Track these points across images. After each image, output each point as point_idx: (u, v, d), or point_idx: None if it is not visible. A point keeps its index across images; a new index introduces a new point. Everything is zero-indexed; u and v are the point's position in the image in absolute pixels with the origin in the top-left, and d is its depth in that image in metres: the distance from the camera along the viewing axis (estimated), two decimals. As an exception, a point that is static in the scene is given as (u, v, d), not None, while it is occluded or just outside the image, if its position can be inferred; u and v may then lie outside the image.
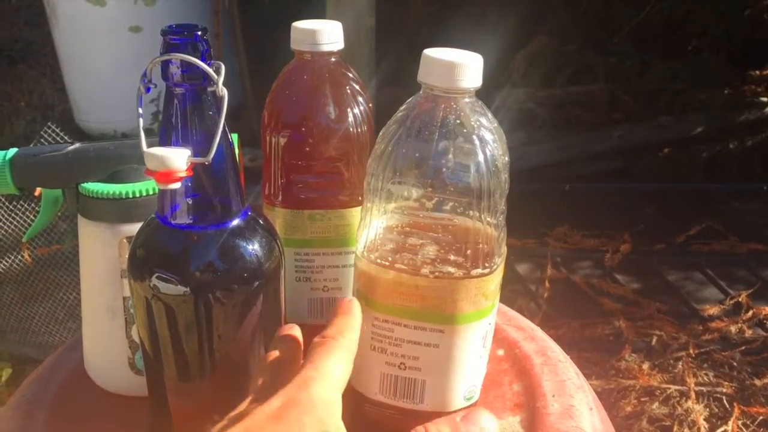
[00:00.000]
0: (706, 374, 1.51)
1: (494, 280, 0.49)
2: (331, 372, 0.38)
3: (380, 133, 0.50)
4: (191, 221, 0.45)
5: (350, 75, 0.58)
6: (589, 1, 2.74)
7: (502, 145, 0.48)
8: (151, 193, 0.54)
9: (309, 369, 0.38)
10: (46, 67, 3.34)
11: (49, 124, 1.62)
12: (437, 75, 0.46)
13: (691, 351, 1.55)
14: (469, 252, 0.47)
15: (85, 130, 2.97)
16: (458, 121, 0.46)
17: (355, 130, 0.56)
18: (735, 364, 1.52)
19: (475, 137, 0.46)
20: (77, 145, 0.57)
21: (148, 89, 0.43)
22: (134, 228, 0.53)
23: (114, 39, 2.79)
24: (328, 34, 0.55)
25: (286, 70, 0.58)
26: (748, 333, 1.61)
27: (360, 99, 0.57)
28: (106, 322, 0.56)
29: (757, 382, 1.48)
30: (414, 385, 0.50)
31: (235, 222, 0.45)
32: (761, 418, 1.39)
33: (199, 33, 0.42)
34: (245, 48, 2.24)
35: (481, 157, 0.46)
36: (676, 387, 1.47)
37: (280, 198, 0.57)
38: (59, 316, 1.65)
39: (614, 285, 1.76)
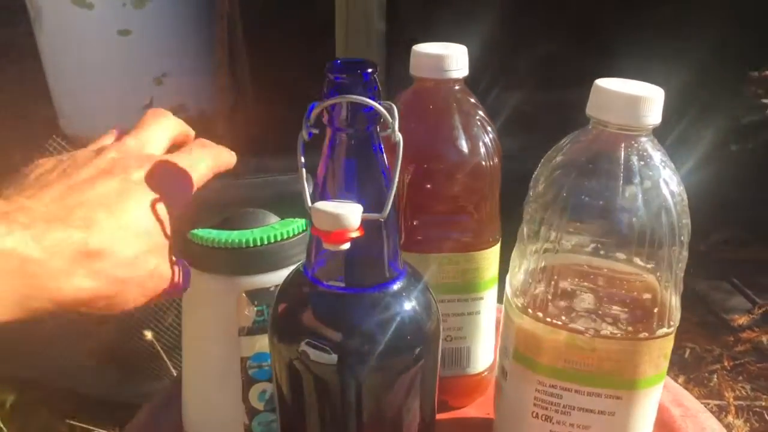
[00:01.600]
0: (743, 387, 1.48)
1: (673, 338, 0.43)
2: (192, 166, 0.40)
3: (539, 174, 0.44)
4: (349, 283, 0.39)
5: (475, 102, 0.52)
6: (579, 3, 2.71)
7: (683, 186, 0.42)
8: (273, 241, 0.47)
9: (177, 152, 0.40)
10: (26, 70, 3.22)
11: (54, 137, 1.54)
12: (617, 110, 0.41)
13: (726, 363, 1.52)
14: (656, 310, 0.42)
15: (71, 137, 2.87)
16: (642, 162, 0.41)
17: (487, 164, 0.50)
18: (771, 376, 1.50)
19: (661, 180, 0.41)
20: None
21: (309, 134, 0.37)
22: (254, 281, 0.47)
23: (102, 43, 2.69)
24: (455, 60, 0.50)
25: (405, 98, 0.52)
26: (781, 343, 1.59)
27: (489, 128, 0.51)
28: (217, 384, 0.49)
29: (796, 394, 1.45)
30: (581, 455, 0.45)
31: (398, 283, 0.39)
32: (804, 432, 1.36)
33: (370, 71, 0.36)
34: (248, 54, 2.16)
35: (671, 204, 0.41)
36: (715, 402, 1.43)
37: (402, 240, 0.51)
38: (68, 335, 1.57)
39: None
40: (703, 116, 2.52)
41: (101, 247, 0.34)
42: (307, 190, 0.37)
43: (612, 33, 2.56)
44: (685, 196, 0.42)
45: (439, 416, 0.55)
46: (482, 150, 0.50)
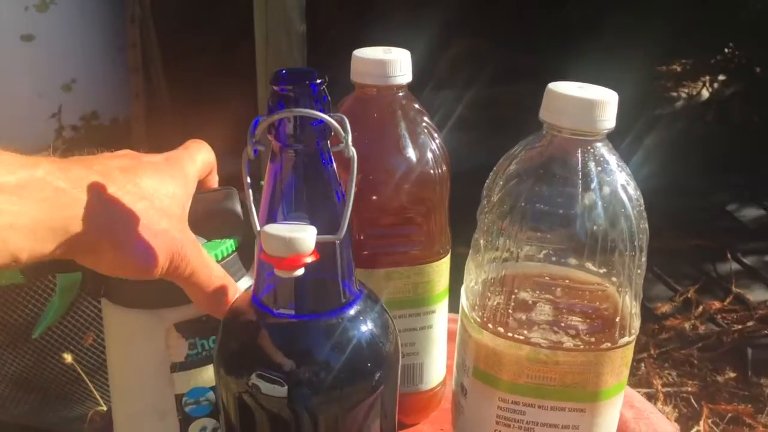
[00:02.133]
0: (669, 374, 1.52)
1: (633, 346, 0.43)
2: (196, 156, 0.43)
3: (493, 183, 0.43)
4: (301, 309, 0.36)
5: (419, 108, 0.50)
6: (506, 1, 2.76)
7: (639, 191, 0.42)
8: None
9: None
10: None
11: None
12: (572, 115, 0.39)
13: (652, 351, 1.56)
14: (618, 319, 0.41)
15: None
16: (599, 168, 0.40)
17: (435, 172, 0.49)
18: (695, 361, 1.55)
19: (619, 186, 0.40)
20: None
21: (255, 151, 0.34)
22: (183, 312, 0.43)
23: (4, 49, 2.56)
24: (399, 65, 0.48)
25: (347, 106, 0.50)
26: (702, 329, 1.64)
27: (435, 135, 0.50)
28: (152, 424, 0.45)
29: (719, 378, 1.50)
30: (545, 471, 0.43)
31: (355, 306, 0.37)
32: (729, 415, 1.41)
33: (318, 82, 0.33)
34: (162, 57, 2.09)
35: (630, 209, 0.40)
36: (644, 390, 1.47)
37: (349, 256, 0.49)
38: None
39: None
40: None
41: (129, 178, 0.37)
42: (255, 213, 0.34)
43: (533, 31, 2.61)
44: (642, 200, 0.41)
45: (393, 435, 0.53)
46: (430, 158, 0.49)
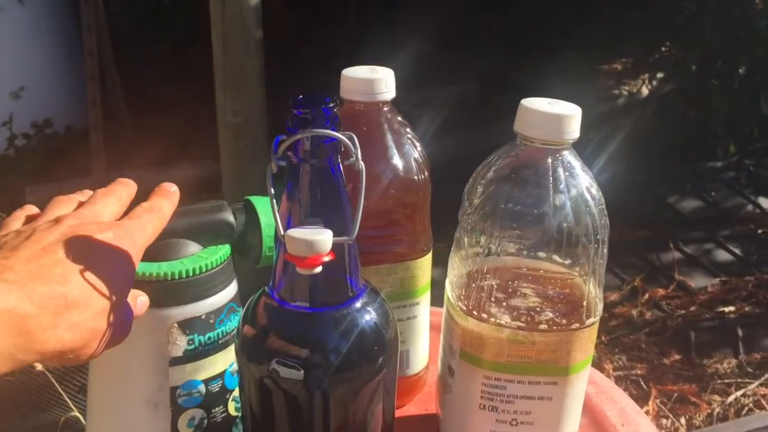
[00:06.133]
0: (619, 359, 1.61)
1: (598, 326, 0.49)
2: (142, 229, 0.42)
3: (473, 187, 0.48)
4: (315, 303, 0.41)
5: (402, 120, 0.56)
6: (450, 3, 2.83)
7: (600, 192, 0.48)
8: (203, 271, 0.48)
9: (128, 219, 0.42)
10: None
11: None
12: (542, 128, 0.46)
13: (603, 338, 1.65)
14: (585, 303, 0.47)
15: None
16: (567, 173, 0.46)
17: (419, 178, 0.54)
18: (643, 346, 1.64)
19: (584, 188, 0.46)
20: None
21: (278, 167, 0.39)
22: (185, 311, 0.48)
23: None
24: (385, 83, 0.53)
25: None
26: (648, 315, 1.74)
27: (417, 145, 0.55)
28: (145, 415, 0.49)
29: (665, 361, 1.60)
30: (524, 438, 0.49)
31: (360, 299, 0.42)
32: (675, 394, 1.51)
33: (330, 106, 0.39)
34: (118, 66, 2.10)
35: (593, 206, 0.46)
36: (597, 374, 1.55)
37: (342, 255, 0.54)
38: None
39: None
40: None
41: (79, 300, 0.36)
42: (279, 220, 0.39)
43: (477, 33, 2.68)
44: (602, 199, 0.47)
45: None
46: (414, 165, 0.54)
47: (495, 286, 0.47)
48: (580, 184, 0.46)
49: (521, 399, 0.48)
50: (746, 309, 1.75)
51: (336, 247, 0.39)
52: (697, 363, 1.61)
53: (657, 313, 1.75)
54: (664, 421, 1.47)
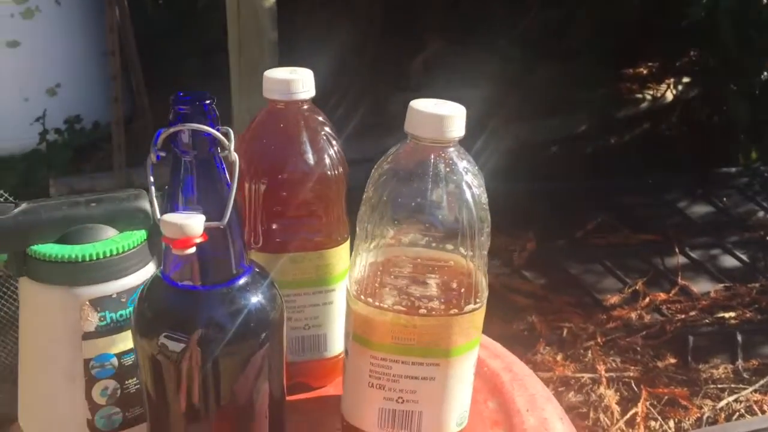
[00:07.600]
0: (613, 360, 1.63)
1: (483, 313, 0.52)
2: None
3: (370, 180, 0.52)
4: (200, 282, 0.46)
5: (322, 119, 0.60)
6: (470, 4, 2.85)
7: (483, 187, 0.51)
8: (115, 254, 0.53)
9: None
10: None
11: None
12: (426, 127, 0.49)
13: (599, 340, 1.66)
14: (463, 290, 0.50)
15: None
16: (448, 169, 0.50)
17: (332, 173, 0.58)
18: (638, 348, 1.65)
19: (464, 183, 0.50)
20: (24, 206, 0.54)
21: (158, 157, 0.43)
22: (96, 290, 0.53)
23: (-11, 55, 2.64)
24: (302, 83, 0.57)
25: (260, 118, 0.59)
26: (647, 318, 1.74)
27: (333, 142, 0.59)
28: (64, 386, 0.54)
29: (659, 364, 1.61)
30: (411, 417, 0.53)
31: (242, 279, 0.47)
32: (666, 397, 1.51)
33: (208, 102, 0.43)
34: (141, 62, 2.18)
35: (471, 201, 0.50)
36: (589, 375, 1.57)
37: (260, 243, 0.59)
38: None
39: (524, 282, 1.85)
40: (581, 112, 2.69)
41: None
42: (156, 205, 0.43)
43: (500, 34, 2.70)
44: (484, 195, 0.51)
45: (301, 396, 0.63)
46: (327, 161, 0.58)
47: (379, 272, 0.51)
48: (459, 180, 0.49)
49: (406, 378, 0.52)
50: (747, 315, 1.74)
51: (212, 231, 0.43)
52: (692, 368, 1.61)
53: (656, 317, 1.75)
54: (653, 423, 1.48)
